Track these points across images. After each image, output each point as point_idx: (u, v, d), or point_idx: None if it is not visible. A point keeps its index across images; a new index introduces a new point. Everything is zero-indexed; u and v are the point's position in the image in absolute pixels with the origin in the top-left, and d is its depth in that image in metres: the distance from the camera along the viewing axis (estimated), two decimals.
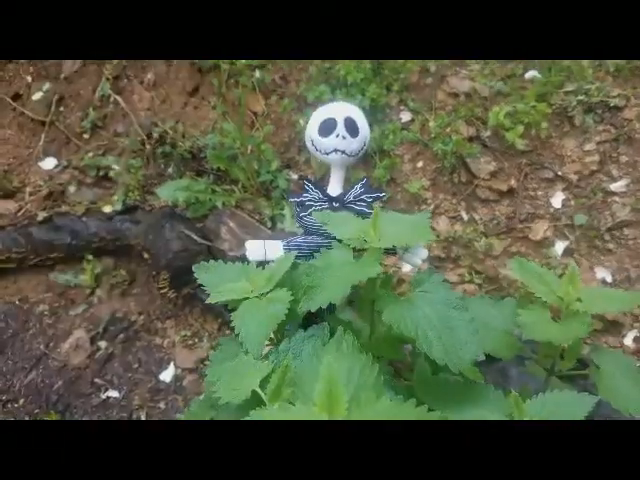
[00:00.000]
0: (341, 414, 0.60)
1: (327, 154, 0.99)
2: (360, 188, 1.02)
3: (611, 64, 2.03)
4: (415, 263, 1.02)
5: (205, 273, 1.00)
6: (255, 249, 1.01)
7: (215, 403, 0.78)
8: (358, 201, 1.02)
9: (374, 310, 0.87)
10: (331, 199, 1.02)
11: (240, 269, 1.00)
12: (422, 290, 0.82)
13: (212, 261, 1.03)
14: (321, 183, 1.06)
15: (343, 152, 0.99)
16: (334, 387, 0.60)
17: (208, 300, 0.91)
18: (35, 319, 1.85)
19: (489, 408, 0.77)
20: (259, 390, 0.74)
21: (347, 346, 0.75)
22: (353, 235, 0.84)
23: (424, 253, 1.02)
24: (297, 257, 1.00)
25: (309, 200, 1.01)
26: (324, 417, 0.60)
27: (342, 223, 0.89)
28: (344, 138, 0.97)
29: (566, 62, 2.01)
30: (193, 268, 1.02)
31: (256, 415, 0.64)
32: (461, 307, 0.79)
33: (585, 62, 2.00)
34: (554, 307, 0.90)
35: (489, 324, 0.97)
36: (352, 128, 0.98)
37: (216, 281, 0.97)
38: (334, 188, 1.04)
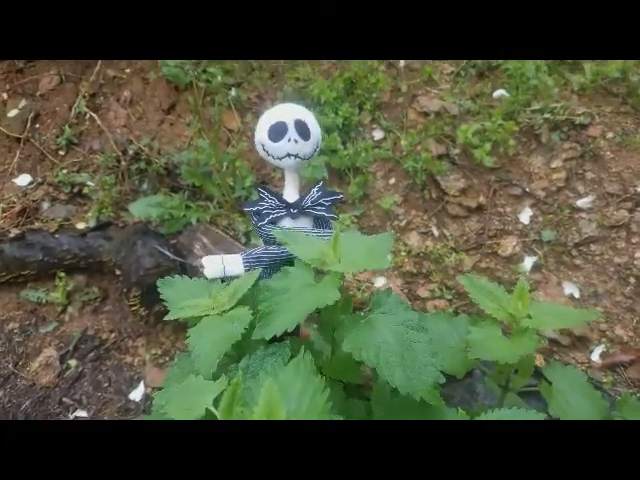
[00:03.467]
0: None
1: (280, 159, 0.94)
2: (317, 192, 0.97)
3: (576, 83, 2.03)
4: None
5: (169, 289, 0.96)
6: (213, 265, 0.94)
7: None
8: (316, 205, 0.97)
9: (334, 340, 0.84)
10: (289, 205, 0.96)
11: (205, 285, 0.95)
12: (382, 311, 0.80)
13: (177, 276, 0.98)
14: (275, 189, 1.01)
15: (296, 156, 0.93)
16: (274, 410, 0.58)
17: (167, 317, 0.87)
18: (4, 337, 1.76)
19: None
20: (212, 408, 0.70)
21: (304, 368, 0.72)
22: (314, 256, 0.81)
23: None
24: (257, 268, 0.96)
25: (266, 208, 0.95)
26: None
27: (303, 243, 0.85)
28: (296, 142, 0.92)
29: (532, 81, 2.00)
30: (157, 283, 0.97)
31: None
32: (419, 328, 0.77)
33: (551, 81, 2.00)
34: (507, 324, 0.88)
35: (445, 341, 0.96)
36: (303, 131, 0.93)
37: (179, 297, 0.93)
38: (290, 193, 0.99)
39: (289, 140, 0.91)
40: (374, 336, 0.75)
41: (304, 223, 0.99)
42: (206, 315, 0.85)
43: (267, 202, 0.95)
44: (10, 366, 1.68)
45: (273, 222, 0.95)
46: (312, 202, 0.96)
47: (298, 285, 0.80)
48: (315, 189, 0.98)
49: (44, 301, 1.80)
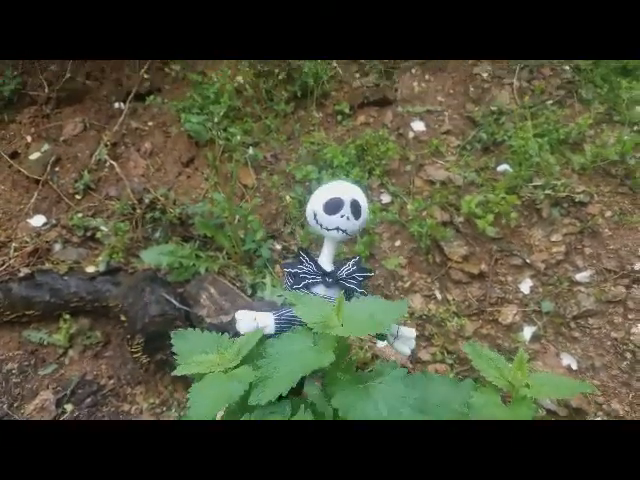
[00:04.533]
0: None
1: (328, 230, 0.98)
2: (353, 265, 1.00)
3: (576, 163, 2.11)
4: (404, 352, 1.00)
5: (182, 341, 0.96)
6: (246, 321, 0.94)
7: None
8: (350, 278, 1.00)
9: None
10: (325, 274, 0.99)
11: (216, 339, 0.94)
12: (381, 382, 0.80)
13: (190, 329, 0.97)
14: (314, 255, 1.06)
15: (345, 231, 0.98)
16: None
17: (175, 372, 0.86)
18: (1, 377, 1.74)
19: None
20: None
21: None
22: (317, 319, 0.82)
23: (412, 343, 1.00)
24: (286, 330, 0.96)
25: (303, 272, 0.98)
26: None
27: (309, 306, 0.87)
28: (348, 219, 0.97)
29: (535, 158, 2.08)
30: (172, 335, 0.95)
31: None
32: (414, 407, 0.77)
33: (552, 159, 2.08)
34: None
35: (449, 405, 0.93)
36: (356, 210, 0.97)
37: (190, 350, 0.92)
38: (326, 261, 1.02)
39: (342, 216, 0.96)
40: (368, 404, 0.76)
41: (335, 292, 1.02)
42: (210, 372, 0.84)
43: (305, 266, 0.98)
44: (5, 407, 1.64)
45: (307, 287, 0.98)
46: (347, 274, 1.00)
47: (296, 349, 0.81)
48: (351, 262, 1.01)
49: (46, 342, 1.79)
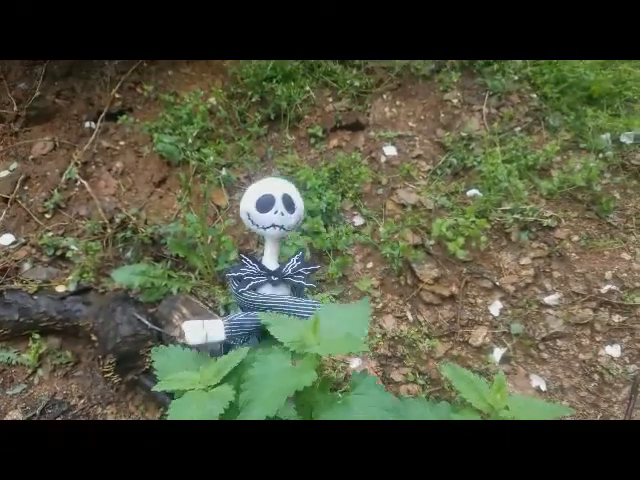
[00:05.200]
0: None
1: (265, 228, 1.05)
2: (297, 261, 1.08)
3: (544, 188, 2.31)
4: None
5: (162, 357, 1.01)
6: (194, 331, 1.00)
7: None
8: (296, 274, 1.08)
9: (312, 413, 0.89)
10: (269, 273, 1.06)
11: (197, 357, 1.01)
12: (357, 392, 0.86)
13: (171, 345, 1.03)
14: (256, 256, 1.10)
15: (281, 227, 1.05)
16: None
17: (155, 388, 0.92)
18: None
19: None
20: None
21: None
22: (294, 338, 0.87)
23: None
24: (240, 335, 1.04)
25: (247, 274, 1.04)
26: None
27: (283, 324, 0.92)
28: (282, 214, 1.03)
29: (504, 183, 2.27)
30: (152, 351, 1.03)
31: None
32: (394, 410, 0.84)
33: (521, 184, 2.27)
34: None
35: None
36: (289, 204, 1.04)
37: (170, 367, 0.98)
38: (270, 261, 1.09)
39: (275, 212, 1.03)
40: (349, 417, 0.81)
41: (283, 290, 1.09)
42: (191, 389, 0.90)
43: (249, 268, 1.05)
44: None
45: (254, 288, 1.05)
46: (292, 271, 1.07)
47: (276, 370, 0.85)
48: (295, 258, 1.09)
49: (14, 362, 1.86)
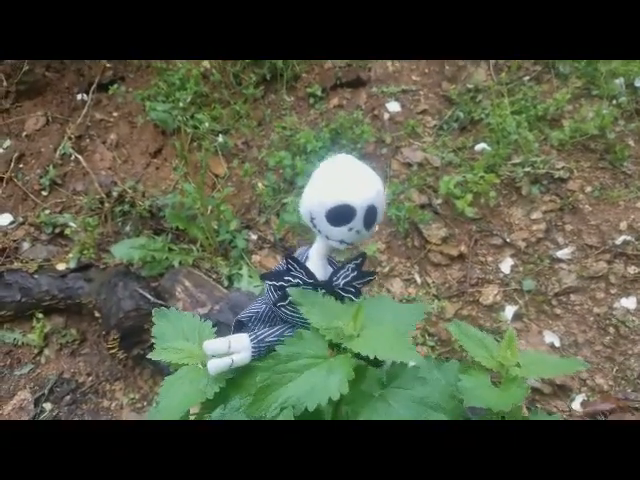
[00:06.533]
0: None
1: (328, 239, 0.82)
2: (352, 271, 0.85)
3: (555, 139, 2.26)
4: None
5: (163, 321, 0.94)
6: (217, 350, 0.82)
7: None
8: (348, 286, 0.86)
9: (341, 407, 0.79)
10: (317, 284, 0.84)
11: (197, 325, 0.92)
12: (396, 386, 0.77)
13: (173, 308, 0.96)
14: (303, 260, 0.88)
15: (350, 244, 0.82)
16: None
17: (150, 355, 0.85)
18: None
19: None
20: None
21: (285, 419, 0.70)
22: (330, 324, 0.74)
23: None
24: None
25: (291, 284, 0.83)
26: None
27: (321, 307, 0.79)
28: (358, 232, 0.79)
29: (513, 136, 2.23)
30: (153, 312, 0.95)
31: None
32: (437, 406, 0.76)
33: (531, 136, 2.22)
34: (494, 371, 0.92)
35: (435, 386, 0.89)
36: (371, 220, 0.80)
37: (170, 334, 0.91)
38: (319, 267, 0.87)
39: (350, 230, 0.78)
40: (390, 414, 0.73)
41: None
42: (185, 364, 0.83)
43: (294, 277, 0.83)
44: None
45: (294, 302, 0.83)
46: (344, 283, 0.85)
47: (308, 356, 0.74)
48: (351, 266, 0.85)
49: (20, 343, 1.91)
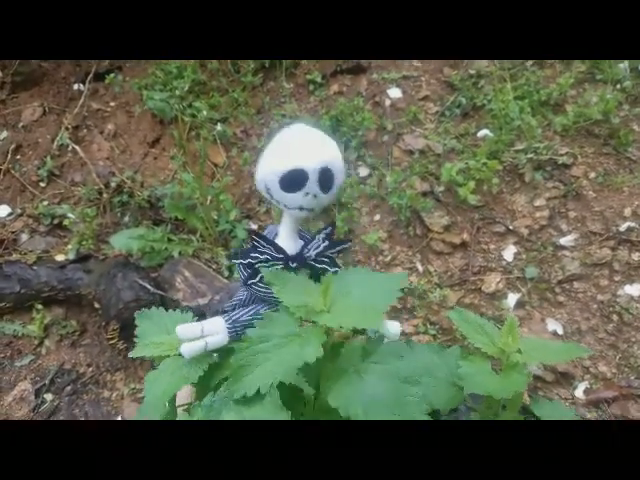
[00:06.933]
0: None
1: (287, 208, 0.81)
2: (323, 240, 0.85)
3: (558, 124, 2.24)
4: (390, 337, 0.89)
5: (147, 321, 0.96)
6: (189, 334, 0.83)
7: None
8: (320, 257, 0.86)
9: (319, 383, 0.81)
10: (287, 258, 0.84)
11: (180, 319, 0.94)
12: (373, 361, 0.78)
13: (154, 308, 0.98)
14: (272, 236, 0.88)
15: (311, 210, 0.81)
16: None
17: (132, 353, 0.87)
18: None
19: None
20: None
21: (270, 403, 0.72)
22: (300, 302, 0.75)
23: (396, 328, 0.89)
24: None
25: (260, 261, 0.83)
26: None
27: (291, 285, 0.79)
28: (315, 197, 0.78)
29: (516, 122, 2.21)
30: (135, 315, 0.99)
31: None
32: (412, 381, 0.76)
33: (534, 121, 2.21)
34: (495, 358, 0.92)
35: (432, 373, 0.96)
36: (327, 182, 0.78)
37: (154, 331, 0.93)
38: (288, 241, 0.86)
39: (307, 194, 0.77)
40: (363, 388, 0.73)
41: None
42: (167, 356, 0.84)
43: (262, 253, 0.83)
44: None
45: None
46: (317, 254, 0.85)
47: (280, 334, 0.76)
48: (321, 236, 0.85)
49: (20, 334, 1.91)
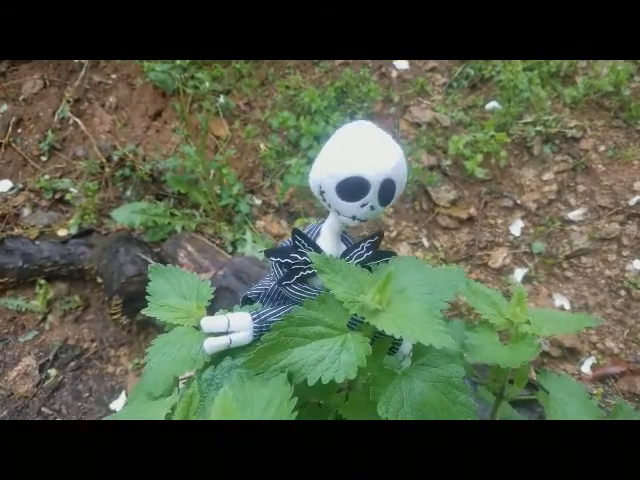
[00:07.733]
0: None
1: (339, 214, 0.75)
2: (367, 250, 0.79)
3: (568, 96, 2.20)
4: (402, 354, 0.85)
5: (159, 278, 0.90)
6: (215, 328, 0.77)
7: None
8: (362, 267, 0.78)
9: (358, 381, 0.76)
10: None
11: (196, 284, 0.88)
12: (422, 363, 0.73)
13: (170, 265, 0.92)
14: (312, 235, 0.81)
15: (363, 221, 0.75)
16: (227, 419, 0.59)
17: (143, 311, 0.80)
18: None
19: None
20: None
21: (274, 378, 0.68)
22: (354, 297, 0.68)
23: (408, 348, 0.84)
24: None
25: (298, 262, 0.77)
26: None
27: (345, 275, 0.72)
28: (372, 208, 0.72)
29: (525, 93, 2.17)
30: (149, 268, 0.91)
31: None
32: (464, 387, 0.71)
33: (543, 93, 2.16)
34: (502, 331, 0.91)
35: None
36: (387, 194, 0.71)
37: (166, 292, 0.87)
38: (330, 245, 0.80)
39: (363, 206, 0.71)
40: (413, 394, 0.69)
41: None
42: (179, 325, 0.78)
43: (302, 254, 0.77)
44: None
45: (301, 280, 0.78)
46: (358, 262, 0.78)
47: (325, 324, 0.69)
48: (365, 244, 0.79)
49: (24, 309, 1.91)
